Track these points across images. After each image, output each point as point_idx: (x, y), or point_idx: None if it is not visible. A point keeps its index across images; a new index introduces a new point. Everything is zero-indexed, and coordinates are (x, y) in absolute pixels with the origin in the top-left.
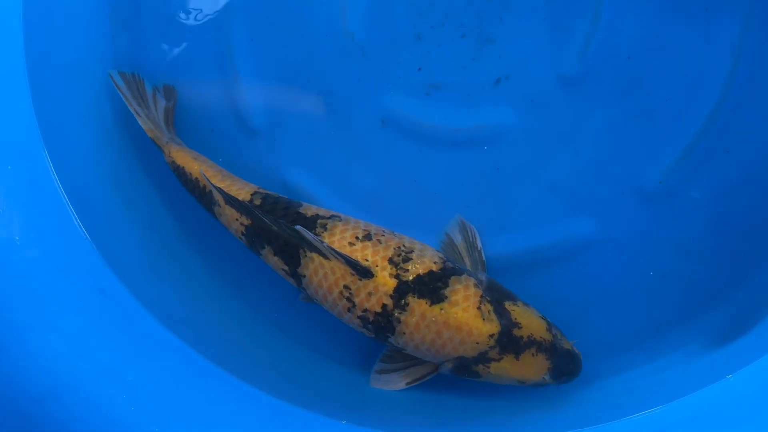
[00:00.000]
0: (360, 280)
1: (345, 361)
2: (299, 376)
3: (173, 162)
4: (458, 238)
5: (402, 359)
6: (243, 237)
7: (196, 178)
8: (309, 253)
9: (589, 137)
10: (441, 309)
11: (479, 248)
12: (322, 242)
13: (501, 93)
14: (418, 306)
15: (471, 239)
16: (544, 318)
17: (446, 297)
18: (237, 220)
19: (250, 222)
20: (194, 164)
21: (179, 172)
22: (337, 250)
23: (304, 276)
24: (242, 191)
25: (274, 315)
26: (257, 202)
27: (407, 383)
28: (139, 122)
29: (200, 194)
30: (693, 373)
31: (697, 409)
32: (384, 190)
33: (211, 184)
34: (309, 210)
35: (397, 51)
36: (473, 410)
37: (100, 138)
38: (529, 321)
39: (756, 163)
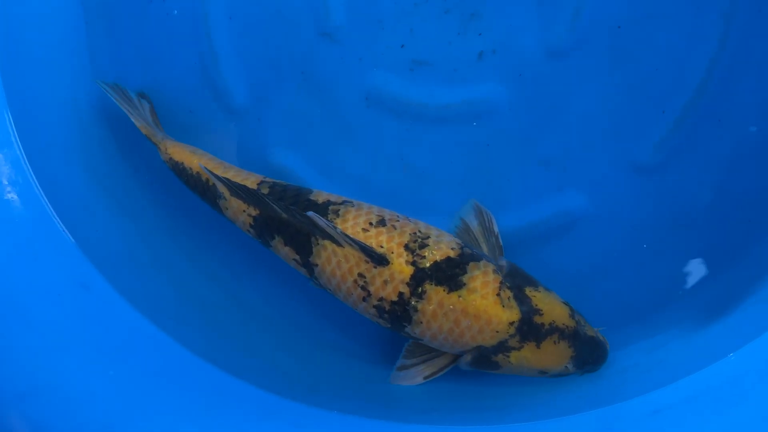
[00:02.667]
0: (375, 267)
1: (338, 349)
2: (292, 368)
3: (171, 159)
4: (474, 223)
5: (421, 353)
6: (251, 229)
7: (197, 173)
8: (321, 241)
9: (579, 110)
10: (459, 296)
11: (496, 233)
12: (335, 228)
13: (488, 68)
14: (435, 294)
15: (487, 224)
16: (566, 304)
17: (464, 284)
18: (244, 211)
19: (258, 212)
20: (193, 158)
21: (178, 169)
22: (350, 236)
23: (317, 265)
24: (248, 181)
25: (261, 306)
26: (265, 191)
27: (425, 377)
28: (133, 120)
29: (203, 189)
30: (692, 349)
31: (697, 387)
32: (372, 170)
33: (215, 175)
34: (320, 196)
35: (379, 27)
36: (465, 395)
37: (75, 127)
38: (551, 307)
39: (748, 134)
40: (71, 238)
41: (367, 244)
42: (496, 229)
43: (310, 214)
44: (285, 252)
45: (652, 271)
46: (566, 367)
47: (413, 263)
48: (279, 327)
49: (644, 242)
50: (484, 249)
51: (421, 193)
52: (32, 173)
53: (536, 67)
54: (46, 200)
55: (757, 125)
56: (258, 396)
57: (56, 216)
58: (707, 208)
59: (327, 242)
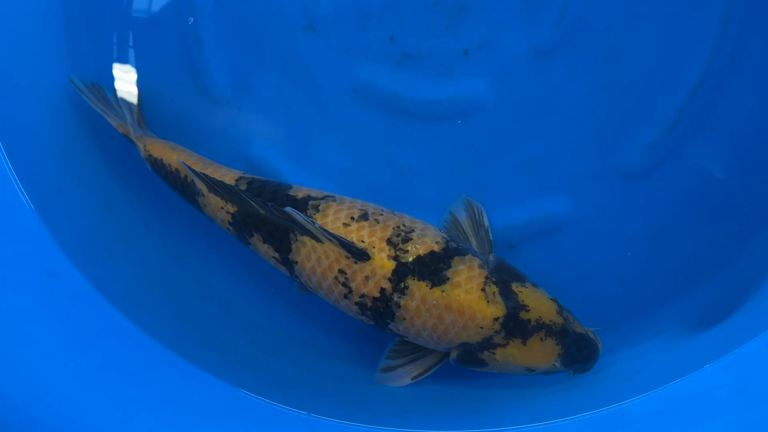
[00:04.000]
0: (356, 263)
1: (318, 347)
2: (264, 363)
3: (150, 156)
4: (462, 216)
5: (408, 353)
6: (230, 227)
7: (176, 170)
8: (300, 237)
9: (566, 112)
10: (442, 291)
11: (486, 227)
12: (313, 223)
13: (474, 64)
14: (418, 289)
15: (477, 217)
16: (554, 300)
17: (448, 279)
18: (222, 208)
19: (236, 209)
20: (172, 155)
21: (157, 166)
22: (330, 231)
23: (296, 262)
24: (226, 177)
25: (237, 302)
26: (243, 187)
27: (412, 378)
28: (109, 120)
29: (182, 186)
30: (671, 360)
31: (674, 399)
32: (355, 165)
33: (192, 170)
34: (300, 192)
35: (368, 19)
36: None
37: (52, 115)
38: (538, 303)
39: (742, 142)
40: (42, 223)
41: (348, 239)
42: (486, 222)
43: (288, 209)
44: (264, 250)
45: (635, 280)
46: (554, 365)
47: (395, 258)
48: (255, 323)
49: (628, 250)
50: (473, 243)
51: (404, 190)
52: (7, 159)
53: (522, 65)
54: (19, 185)
55: (751, 134)
56: (228, 393)
57: (29, 201)
58: (693, 217)
59: (306, 238)
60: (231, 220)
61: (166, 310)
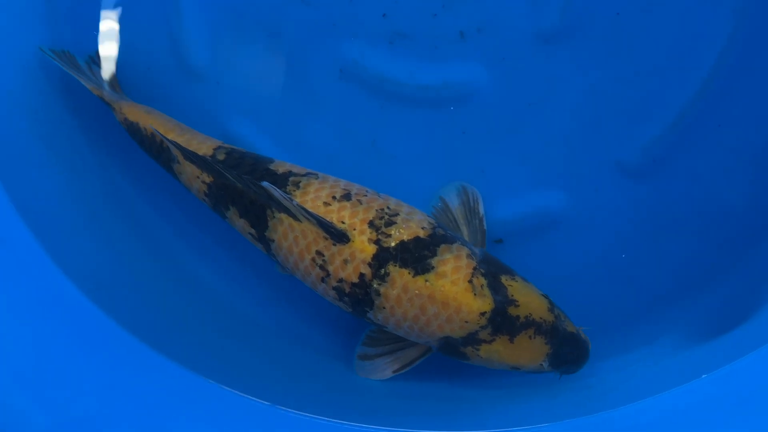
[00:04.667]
0: (334, 245)
1: (295, 337)
2: (229, 347)
3: (125, 119)
4: (455, 203)
5: (387, 342)
6: (206, 198)
7: (152, 134)
8: (277, 214)
9: (566, 103)
10: (426, 281)
11: (481, 215)
12: (291, 200)
13: (471, 47)
14: (399, 276)
15: (472, 204)
16: (546, 296)
17: (433, 267)
18: (198, 177)
19: (212, 180)
20: (148, 119)
21: (133, 129)
22: (309, 209)
23: (273, 240)
24: (204, 145)
25: (205, 279)
26: (220, 157)
27: (394, 371)
28: (84, 83)
29: (157, 152)
30: (662, 371)
31: (664, 410)
32: (337, 148)
33: (166, 138)
34: (281, 167)
35: None
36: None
37: (23, 75)
38: (528, 299)
39: (749, 144)
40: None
41: (328, 219)
42: (481, 210)
43: (265, 184)
44: (241, 224)
45: (627, 284)
46: (541, 364)
47: (377, 242)
48: (225, 304)
49: (623, 251)
50: (465, 232)
51: (389, 177)
52: None
53: (522, 50)
54: None
55: (759, 135)
56: (187, 378)
57: None
58: (693, 220)
59: (284, 216)
60: (207, 191)
61: (129, 287)
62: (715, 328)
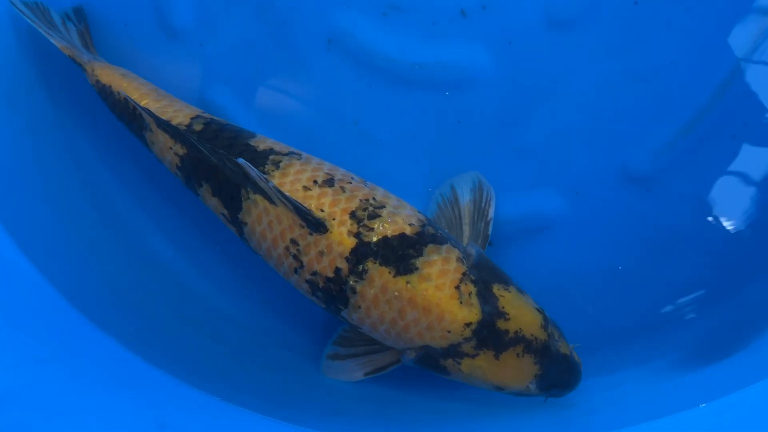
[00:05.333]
0: (311, 234)
1: (255, 328)
2: (187, 335)
3: (98, 81)
4: (466, 197)
5: (361, 343)
6: (179, 172)
7: (125, 99)
8: (252, 196)
9: (573, 96)
10: (407, 282)
11: (489, 218)
12: (267, 181)
13: (473, 26)
14: (378, 275)
15: (483, 204)
16: (540, 311)
17: (417, 268)
18: (171, 149)
19: (186, 152)
20: (122, 82)
21: (105, 93)
22: (286, 193)
23: (246, 224)
24: (180, 114)
25: (169, 260)
26: (197, 128)
27: (365, 374)
28: (54, 42)
29: (129, 118)
30: (653, 396)
31: None
32: (320, 126)
33: (138, 105)
34: (262, 143)
35: None
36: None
37: None
38: (520, 312)
39: (765, 158)
40: None
41: (306, 205)
42: (491, 213)
43: (241, 161)
44: (213, 204)
45: (623, 298)
46: (528, 386)
47: (357, 235)
48: (184, 286)
49: (620, 263)
50: (466, 233)
51: (369, 161)
52: None
53: (530, 35)
54: None
55: None
56: (126, 358)
57: None
58: (700, 236)
59: (259, 197)
60: (180, 164)
61: (82, 264)
62: (717, 354)
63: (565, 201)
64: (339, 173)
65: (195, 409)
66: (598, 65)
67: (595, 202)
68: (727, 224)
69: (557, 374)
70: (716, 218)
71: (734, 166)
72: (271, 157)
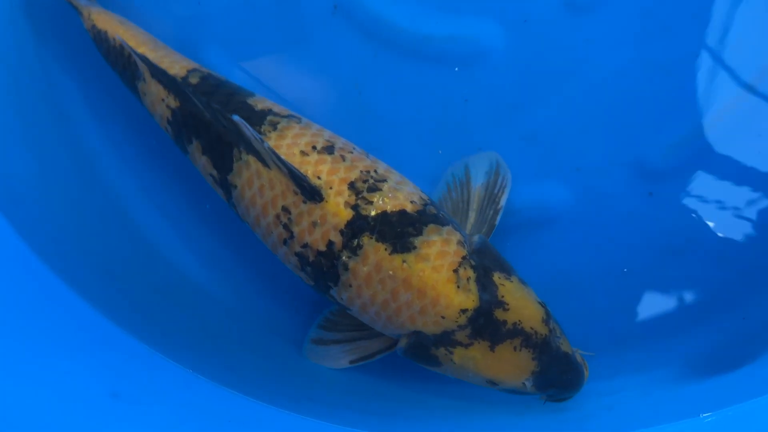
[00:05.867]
0: (304, 202)
1: (237, 306)
2: (167, 311)
3: (94, 26)
4: (479, 179)
5: (347, 328)
6: (169, 127)
7: (120, 45)
8: (245, 156)
9: (590, 83)
10: (404, 261)
11: (499, 207)
12: (262, 142)
13: (489, 0)
14: (374, 251)
15: (496, 189)
16: (543, 305)
17: (415, 247)
18: (163, 101)
19: (178, 105)
20: (119, 28)
21: (100, 39)
22: (282, 156)
23: (236, 186)
24: (176, 65)
25: (148, 228)
26: (193, 80)
27: (351, 361)
28: None
29: (123, 66)
30: (650, 405)
31: None
32: (318, 94)
33: (134, 51)
34: (260, 103)
35: None
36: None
37: None
38: (521, 303)
39: None
40: None
41: (302, 170)
42: (502, 201)
43: (236, 118)
44: (202, 163)
45: (626, 300)
46: (524, 383)
47: (354, 207)
48: (167, 259)
49: (625, 264)
50: (471, 219)
51: (369, 134)
52: None
53: (548, 14)
54: None
55: None
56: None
57: None
58: (714, 241)
59: (251, 159)
60: (171, 118)
61: (55, 218)
62: (721, 367)
63: (571, 194)
64: (340, 142)
65: (158, 377)
66: (617, 51)
67: (603, 197)
68: (745, 232)
69: (557, 373)
70: (733, 224)
71: (760, 168)
72: (269, 117)
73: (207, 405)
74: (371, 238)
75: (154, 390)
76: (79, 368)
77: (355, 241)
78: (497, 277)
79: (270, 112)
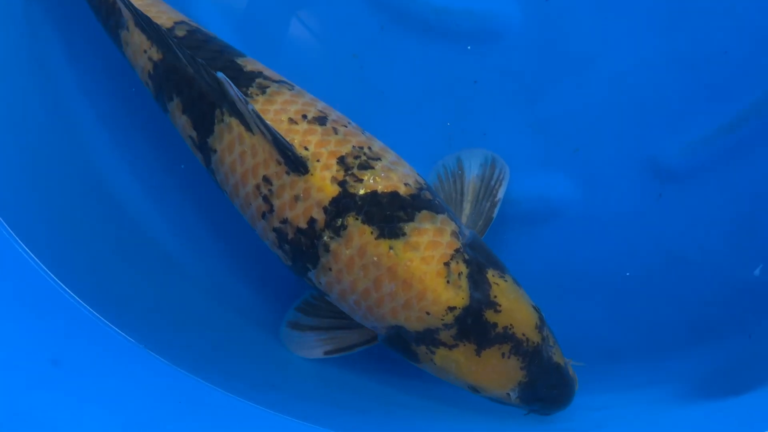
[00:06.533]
0: (288, 174)
1: (209, 285)
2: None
3: None
4: (474, 172)
5: (328, 314)
6: (150, 81)
7: None
8: (227, 119)
9: (606, 72)
10: (390, 248)
11: (496, 200)
12: (247, 103)
13: None
14: (359, 234)
15: (493, 183)
16: (537, 309)
17: (404, 234)
18: (146, 52)
19: (161, 57)
20: None
21: None
22: (267, 121)
23: (215, 151)
24: (163, 16)
25: (127, 193)
26: (180, 33)
27: (326, 352)
28: None
29: (107, 13)
30: (643, 426)
31: None
32: (316, 64)
33: None
34: (250, 64)
35: None
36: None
37: None
38: (515, 306)
39: None
40: None
41: (288, 139)
42: (500, 193)
43: (221, 75)
44: (182, 123)
45: (625, 309)
46: (508, 394)
47: (342, 183)
48: (138, 227)
49: (629, 269)
50: (466, 211)
51: (367, 111)
52: None
53: None
54: None
55: None
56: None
57: None
58: (726, 252)
59: (234, 122)
60: (152, 71)
61: (19, 173)
62: (722, 392)
63: (577, 188)
64: (334, 114)
65: (106, 349)
66: (639, 42)
67: (611, 195)
68: (758, 246)
69: (545, 387)
70: (748, 236)
71: None
72: (258, 80)
73: (155, 382)
74: (357, 219)
75: (99, 362)
76: (21, 331)
77: (339, 221)
78: (491, 274)
79: (260, 74)
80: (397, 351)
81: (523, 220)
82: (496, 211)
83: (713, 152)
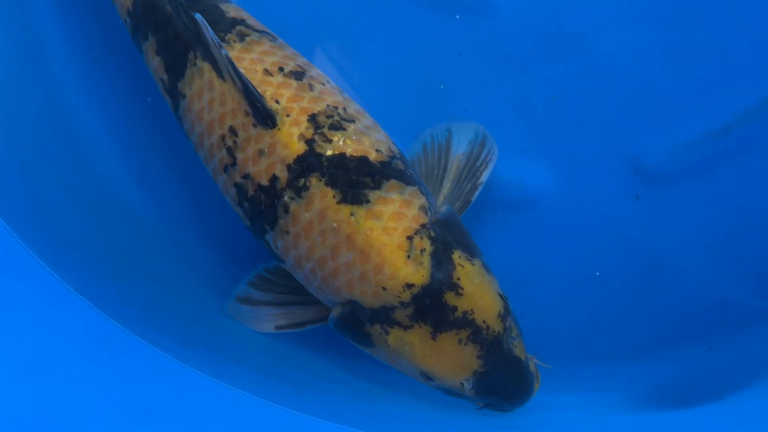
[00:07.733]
0: (255, 126)
1: (162, 245)
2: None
3: None
4: (461, 148)
5: (281, 290)
6: (128, 18)
7: None
8: (200, 63)
9: (598, 59)
10: (351, 215)
11: (479, 182)
12: (221, 47)
13: None
14: (320, 196)
15: (478, 162)
16: (503, 298)
17: (368, 201)
18: None
19: None
20: None
21: None
22: (240, 69)
23: (184, 96)
24: None
25: (89, 136)
26: None
27: (278, 327)
28: None
29: None
30: (593, 429)
31: None
32: (301, 24)
33: None
34: (234, 11)
35: None
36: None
37: None
38: (478, 291)
39: None
40: None
41: (260, 91)
42: (484, 176)
43: (198, 16)
44: (155, 65)
45: (594, 309)
46: (462, 383)
47: (309, 142)
48: (97, 171)
49: (599, 268)
50: (445, 189)
51: (347, 73)
52: None
53: None
54: None
55: None
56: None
57: None
58: (704, 261)
59: (206, 67)
60: (131, 8)
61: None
62: (683, 402)
63: (554, 178)
64: (314, 71)
65: (45, 296)
66: (636, 31)
67: (589, 189)
68: (729, 259)
69: (502, 380)
70: (724, 247)
71: (763, 188)
72: (238, 27)
73: (87, 332)
74: (320, 180)
75: (36, 308)
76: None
77: (302, 181)
78: (458, 256)
79: (242, 22)
80: (350, 337)
81: (498, 205)
82: (476, 195)
83: (697, 158)
